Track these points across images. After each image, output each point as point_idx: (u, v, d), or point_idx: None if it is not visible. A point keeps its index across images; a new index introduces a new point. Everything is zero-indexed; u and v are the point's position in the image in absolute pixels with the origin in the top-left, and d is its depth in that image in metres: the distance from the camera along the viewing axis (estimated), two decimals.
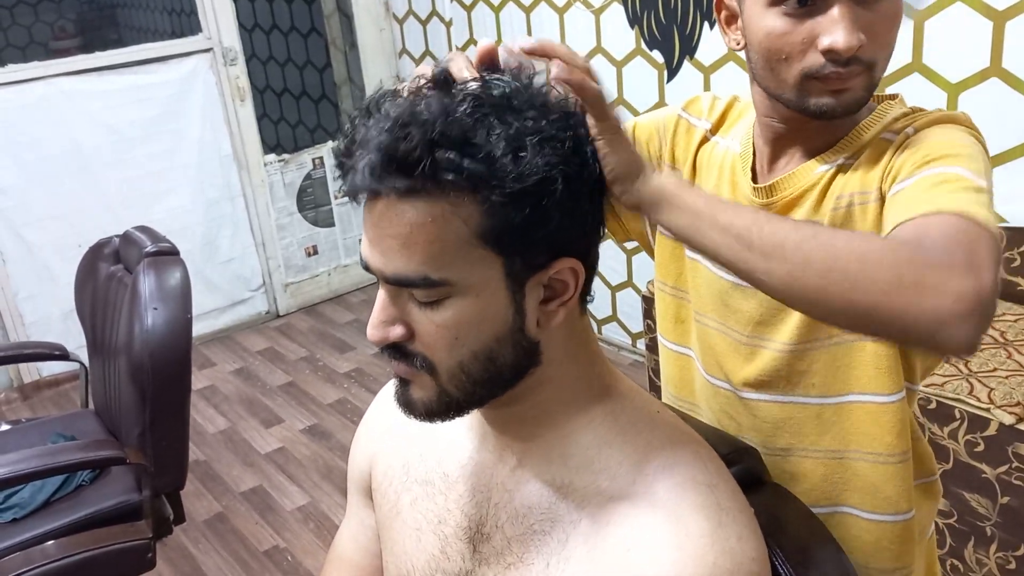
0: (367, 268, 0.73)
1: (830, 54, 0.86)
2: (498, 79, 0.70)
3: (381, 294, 0.73)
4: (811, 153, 0.97)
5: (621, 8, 2.91)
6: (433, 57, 3.81)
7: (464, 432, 0.87)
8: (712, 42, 2.69)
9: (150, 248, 1.83)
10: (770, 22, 0.88)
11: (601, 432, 0.79)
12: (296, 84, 4.86)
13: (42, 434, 2.06)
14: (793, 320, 0.98)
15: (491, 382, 0.75)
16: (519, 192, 0.66)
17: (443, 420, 0.78)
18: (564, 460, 0.79)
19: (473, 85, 0.69)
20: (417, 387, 0.76)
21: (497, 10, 3.38)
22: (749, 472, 0.92)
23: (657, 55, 2.87)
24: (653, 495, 0.74)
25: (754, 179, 1.01)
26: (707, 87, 2.75)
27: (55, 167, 3.34)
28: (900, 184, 0.85)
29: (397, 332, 0.73)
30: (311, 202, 3.98)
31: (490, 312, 0.71)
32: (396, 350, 0.74)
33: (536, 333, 0.74)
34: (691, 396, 1.16)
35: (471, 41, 3.57)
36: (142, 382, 1.70)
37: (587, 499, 0.76)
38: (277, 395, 3.38)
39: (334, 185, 4.01)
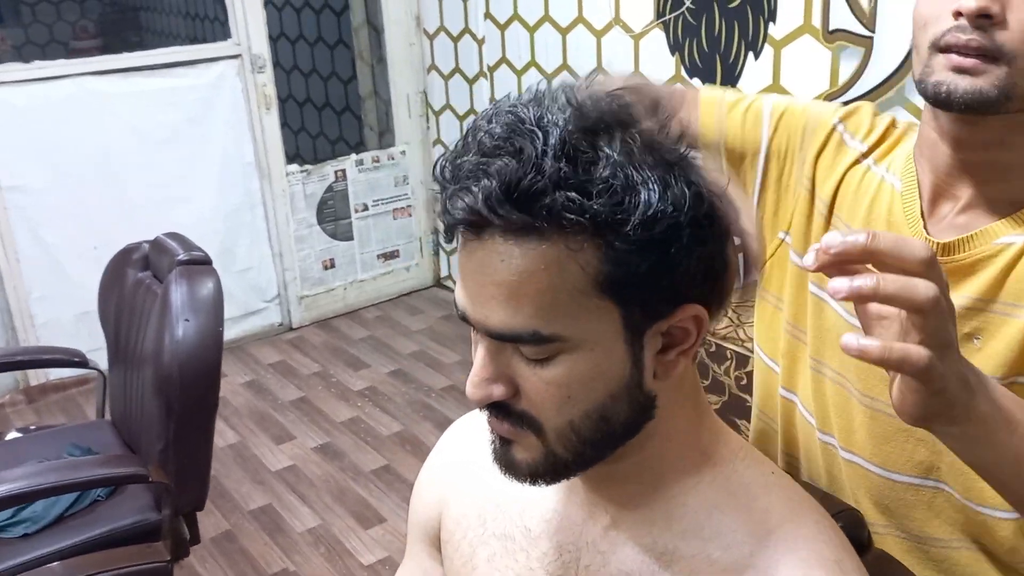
0: (464, 318, 0.66)
1: (958, 17, 0.76)
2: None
3: (481, 349, 0.66)
4: (989, 204, 0.85)
5: (662, 34, 2.86)
6: (463, 75, 3.77)
7: None
8: (755, 72, 2.64)
9: (182, 256, 1.76)
10: None
11: (711, 495, 0.71)
12: (320, 95, 4.82)
13: (56, 444, 1.98)
14: None
15: (603, 442, 0.68)
16: (647, 239, 0.60)
17: (548, 483, 0.70)
18: (668, 524, 0.71)
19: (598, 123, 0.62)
20: (521, 448, 0.69)
21: (532, 30, 3.34)
22: (855, 538, 0.85)
23: (698, 83, 2.82)
24: (775, 571, 0.66)
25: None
26: None
27: (76, 167, 3.27)
28: None
29: (500, 391, 0.66)
30: (331, 215, 3.92)
31: (605, 367, 0.64)
32: (498, 408, 0.67)
33: (653, 386, 0.67)
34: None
35: (503, 60, 3.52)
36: (169, 395, 1.63)
37: (695, 570, 0.69)
38: (289, 410, 3.30)
39: (355, 198, 3.95)
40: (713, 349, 2.48)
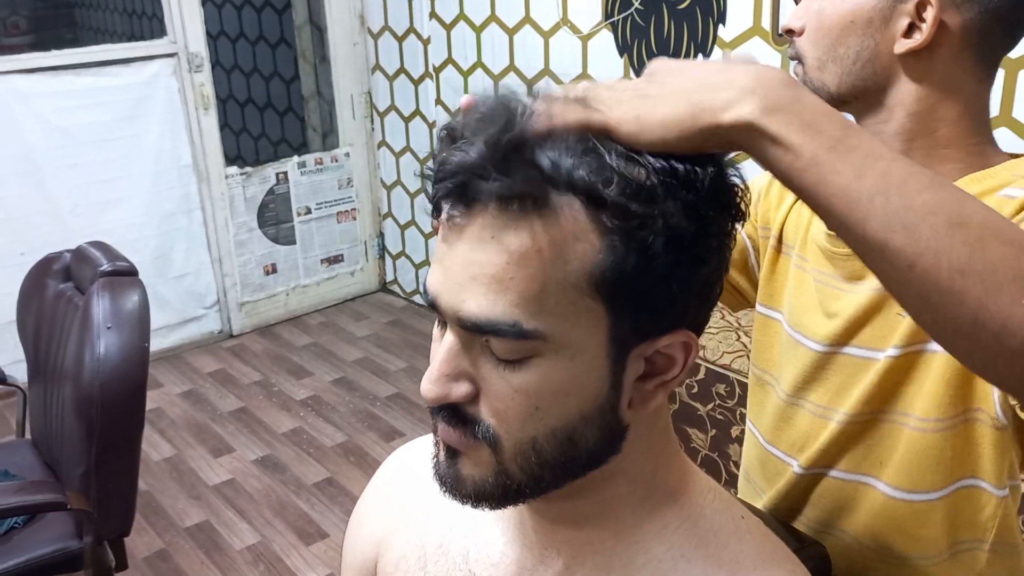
0: (433, 305, 0.58)
1: None
2: None
3: (447, 342, 0.58)
4: None
5: (611, 35, 2.81)
6: (408, 75, 3.68)
7: (494, 520, 0.72)
8: None
9: (106, 267, 1.65)
10: None
11: (677, 542, 0.65)
12: (261, 95, 4.69)
13: None
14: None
15: (563, 467, 0.60)
16: (652, 239, 0.53)
17: (493, 507, 0.62)
18: (628, 572, 0.65)
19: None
20: (470, 462, 0.60)
21: (479, 30, 3.26)
22: (819, 573, 0.80)
23: None
24: None
25: None
26: None
27: (1, 169, 3.12)
28: None
29: (462, 391, 0.58)
30: (272, 218, 3.80)
31: (582, 381, 0.57)
32: (453, 413, 0.59)
33: (627, 415, 0.60)
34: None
35: (449, 60, 3.45)
36: (90, 415, 1.52)
37: None
38: (228, 421, 3.18)
39: (297, 201, 3.84)
40: None
